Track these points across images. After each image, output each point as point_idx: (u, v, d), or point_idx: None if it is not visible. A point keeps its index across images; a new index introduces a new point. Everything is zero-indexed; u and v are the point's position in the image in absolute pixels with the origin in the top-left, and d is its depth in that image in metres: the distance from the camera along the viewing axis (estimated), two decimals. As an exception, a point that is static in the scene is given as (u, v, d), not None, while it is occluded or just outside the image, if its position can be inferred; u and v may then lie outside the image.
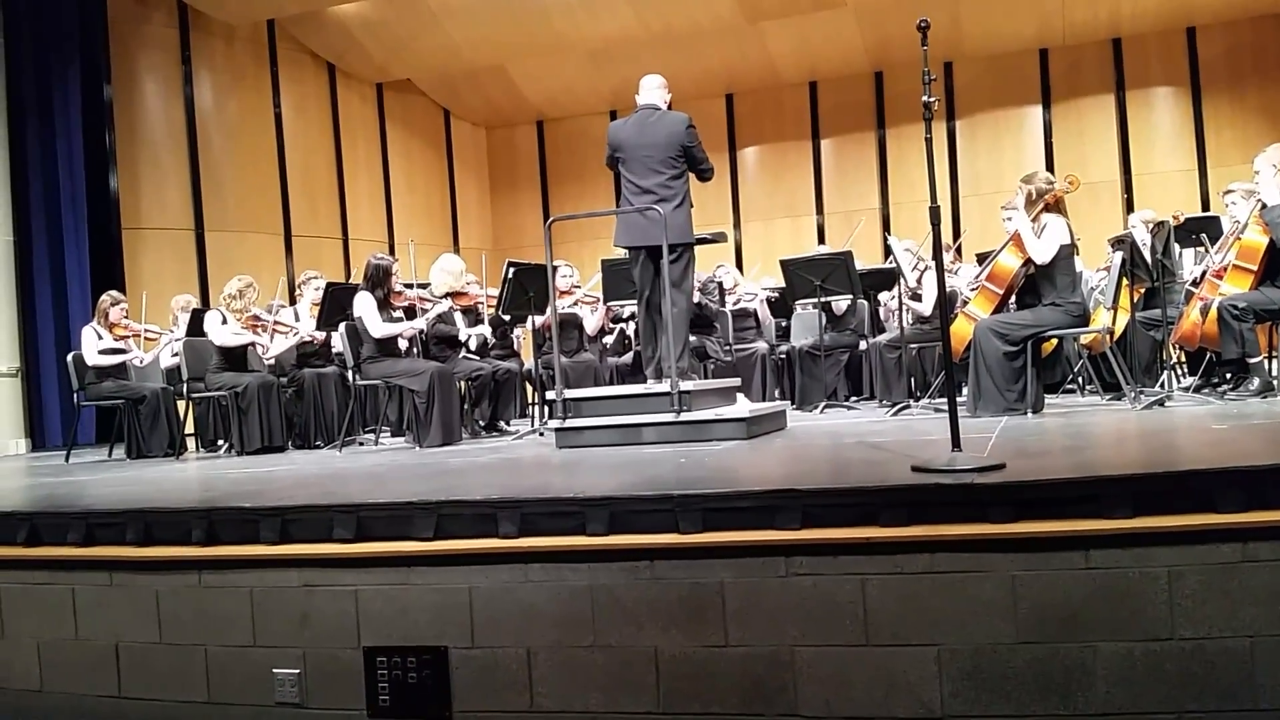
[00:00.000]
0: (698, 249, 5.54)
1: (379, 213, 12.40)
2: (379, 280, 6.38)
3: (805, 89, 12.71)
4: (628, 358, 7.82)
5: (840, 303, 7.82)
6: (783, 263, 7.35)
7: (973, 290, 6.04)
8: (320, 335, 7.12)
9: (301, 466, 5.33)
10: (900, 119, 12.25)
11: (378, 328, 6.27)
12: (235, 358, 6.83)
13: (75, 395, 7.20)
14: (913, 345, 7.06)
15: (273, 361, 7.12)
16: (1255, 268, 5.37)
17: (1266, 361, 5.58)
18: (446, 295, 6.86)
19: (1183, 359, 7.22)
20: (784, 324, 8.71)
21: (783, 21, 11.25)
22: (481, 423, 6.80)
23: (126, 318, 7.30)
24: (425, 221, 12.71)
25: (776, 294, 8.46)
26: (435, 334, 6.75)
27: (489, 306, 7.12)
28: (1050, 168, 11.40)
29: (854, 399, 7.82)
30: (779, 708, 2.90)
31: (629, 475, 3.73)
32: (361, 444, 6.76)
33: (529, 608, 3.08)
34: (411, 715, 3.16)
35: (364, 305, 6.29)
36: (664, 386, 5.15)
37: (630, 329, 8.02)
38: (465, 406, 6.70)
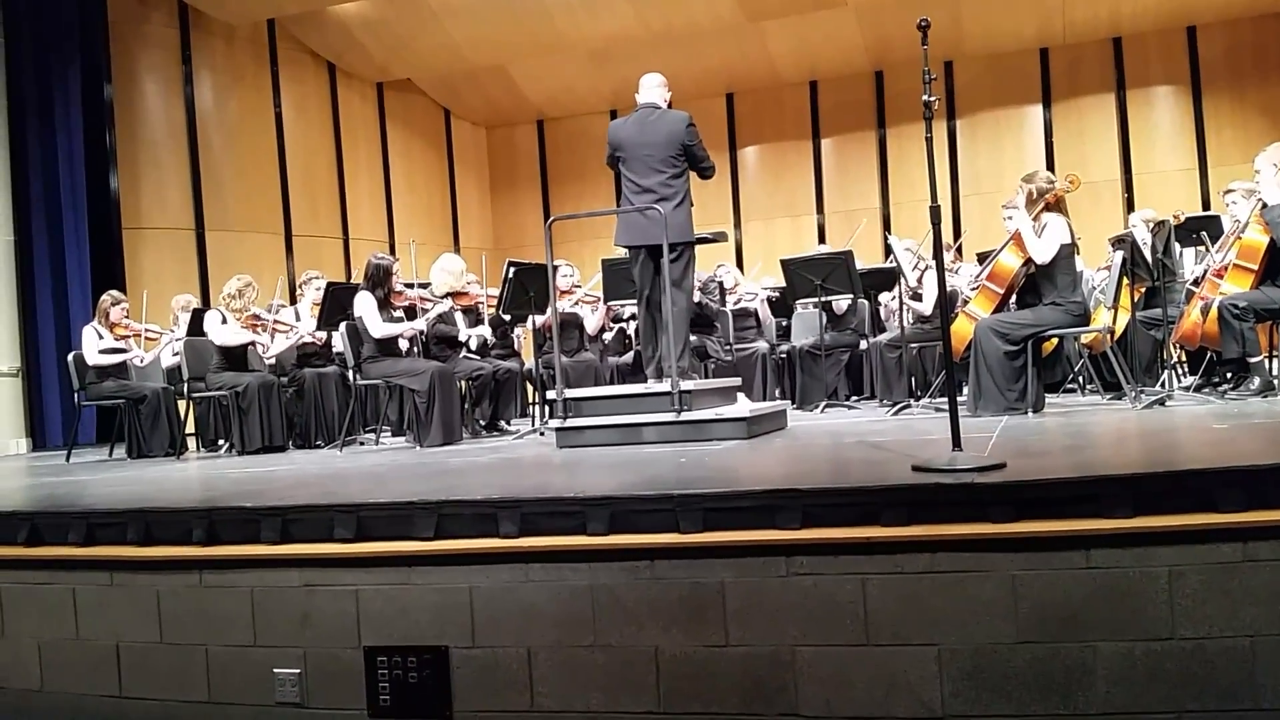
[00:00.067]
0: (698, 248, 5.54)
1: (379, 212, 12.41)
2: (379, 280, 6.38)
3: (805, 88, 12.71)
4: (628, 357, 7.82)
5: (841, 302, 7.82)
6: (783, 262, 7.35)
7: (973, 290, 6.03)
8: (321, 335, 7.13)
9: (302, 466, 5.33)
10: (900, 118, 12.25)
11: (378, 328, 6.27)
12: (235, 357, 6.83)
13: (76, 395, 7.20)
14: (913, 345, 7.06)
15: (273, 361, 7.13)
16: (1256, 267, 5.36)
17: (1267, 361, 5.58)
18: (447, 295, 6.86)
19: (1183, 358, 7.21)
20: (784, 323, 8.71)
21: (783, 21, 11.25)
22: (482, 422, 6.80)
23: (127, 317, 7.30)
24: (426, 221, 12.72)
25: (777, 293, 8.46)
26: (435, 334, 6.75)
27: (489, 306, 7.12)
28: (1051, 167, 11.41)
29: (854, 398, 7.82)
30: (779, 707, 2.90)
31: (629, 475, 3.74)
32: (362, 444, 6.76)
33: (529, 607, 3.08)
34: (412, 715, 3.16)
35: (364, 305, 6.29)
36: (664, 386, 5.15)
37: (631, 328, 8.02)
38: (466, 406, 6.70)
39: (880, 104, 12.50)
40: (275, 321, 7.06)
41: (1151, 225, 6.35)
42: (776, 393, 7.89)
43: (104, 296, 7.36)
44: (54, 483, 5.34)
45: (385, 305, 6.36)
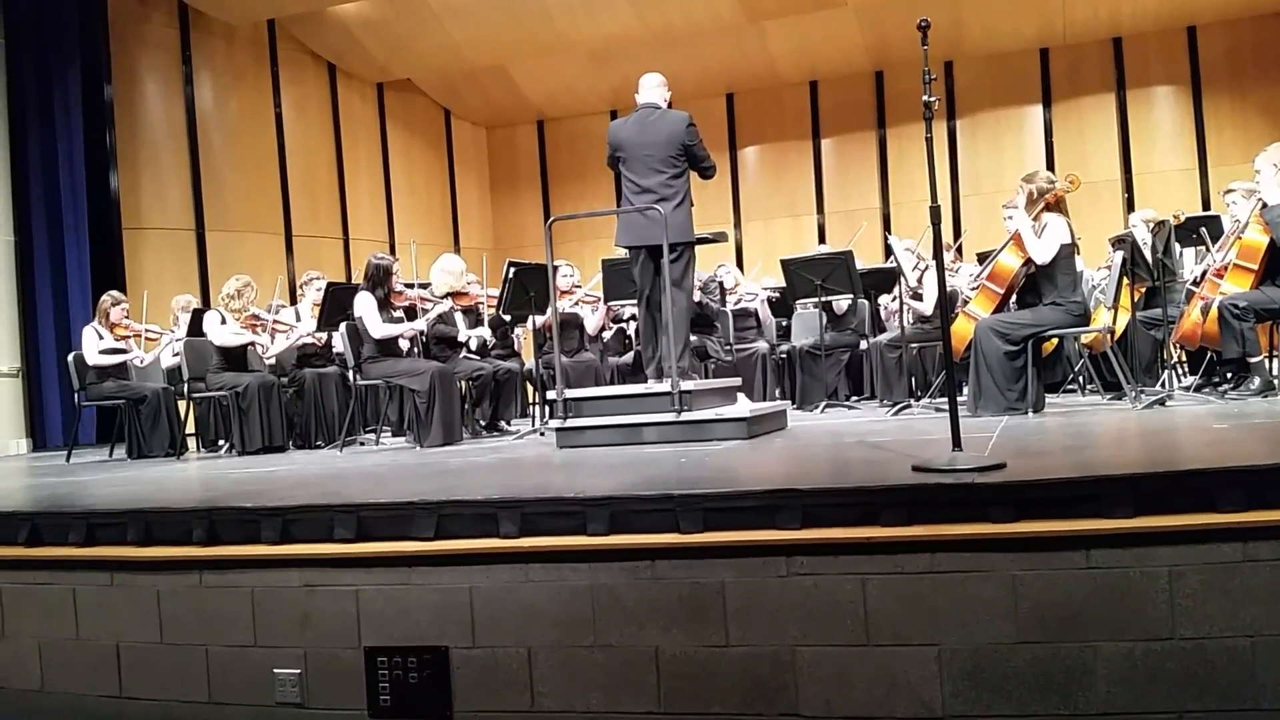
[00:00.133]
0: (698, 248, 5.54)
1: (379, 213, 12.41)
2: (379, 280, 6.38)
3: (806, 88, 12.71)
4: (628, 357, 7.82)
5: (841, 302, 7.82)
6: (783, 262, 7.35)
7: (973, 289, 6.03)
8: (321, 335, 7.13)
9: (302, 466, 5.33)
10: (901, 118, 12.25)
11: (378, 328, 6.27)
12: (235, 358, 6.83)
13: (76, 395, 7.19)
14: (913, 345, 7.06)
15: (273, 361, 7.13)
16: (1256, 267, 5.36)
17: (1267, 361, 5.58)
18: (447, 295, 6.86)
19: (1183, 358, 7.21)
20: (784, 323, 8.70)
21: (783, 21, 11.26)
22: (482, 422, 6.80)
23: (127, 317, 7.30)
24: (426, 221, 12.72)
25: (777, 294, 8.45)
26: (436, 334, 6.76)
27: (489, 306, 7.12)
28: (1051, 167, 11.40)
29: (854, 399, 7.82)
30: (780, 707, 2.90)
31: (629, 475, 3.73)
32: (362, 444, 6.76)
33: (530, 607, 3.08)
34: (412, 715, 3.16)
35: (364, 305, 6.29)
36: (664, 386, 5.15)
37: (631, 329, 8.02)
38: (466, 406, 6.70)
39: (880, 104, 12.50)
40: (275, 322, 7.06)
41: (1152, 225, 6.35)
42: (776, 393, 7.89)
43: (104, 297, 7.36)
44: (54, 483, 5.34)
45: (385, 305, 6.36)
